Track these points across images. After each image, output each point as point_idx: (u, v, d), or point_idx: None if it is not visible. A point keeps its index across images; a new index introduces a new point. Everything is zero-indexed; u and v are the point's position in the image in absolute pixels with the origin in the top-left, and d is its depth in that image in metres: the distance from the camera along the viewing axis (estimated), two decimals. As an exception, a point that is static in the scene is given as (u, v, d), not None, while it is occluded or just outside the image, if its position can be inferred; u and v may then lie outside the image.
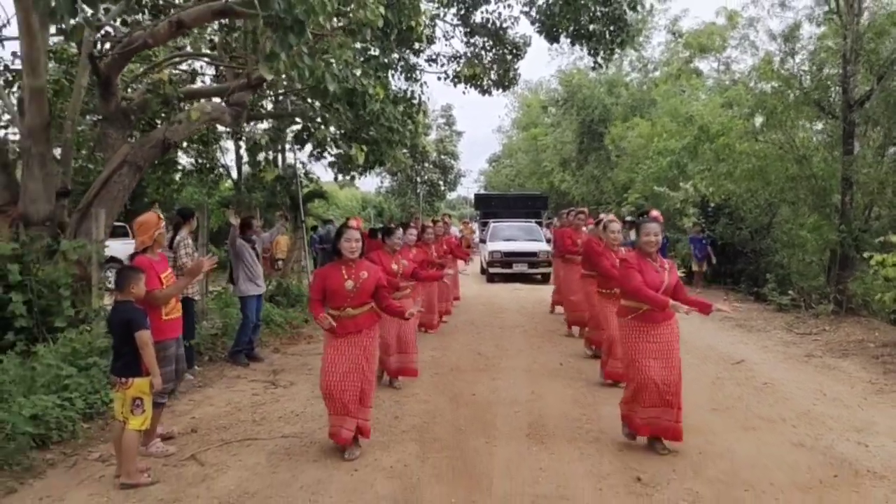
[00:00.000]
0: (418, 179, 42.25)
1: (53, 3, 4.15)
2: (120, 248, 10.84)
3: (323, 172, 18.25)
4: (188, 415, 5.93)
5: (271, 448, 5.12)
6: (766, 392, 6.70)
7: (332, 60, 5.54)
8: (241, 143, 17.17)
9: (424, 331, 9.66)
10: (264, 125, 15.13)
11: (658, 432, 4.95)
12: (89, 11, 4.96)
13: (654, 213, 5.44)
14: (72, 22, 4.42)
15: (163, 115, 8.14)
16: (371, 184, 56.14)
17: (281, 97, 12.06)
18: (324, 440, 5.13)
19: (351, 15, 6.83)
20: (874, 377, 7.22)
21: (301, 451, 5.06)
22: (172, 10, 7.74)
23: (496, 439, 5.30)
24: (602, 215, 8.16)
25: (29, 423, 4.92)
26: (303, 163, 18.34)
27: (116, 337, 4.58)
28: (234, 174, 18.35)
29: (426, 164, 41.30)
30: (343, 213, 29.86)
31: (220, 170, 16.89)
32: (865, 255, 8.43)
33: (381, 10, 7.12)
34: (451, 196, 57.72)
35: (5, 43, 10.24)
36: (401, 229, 7.23)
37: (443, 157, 42.50)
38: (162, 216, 5.27)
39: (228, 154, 17.58)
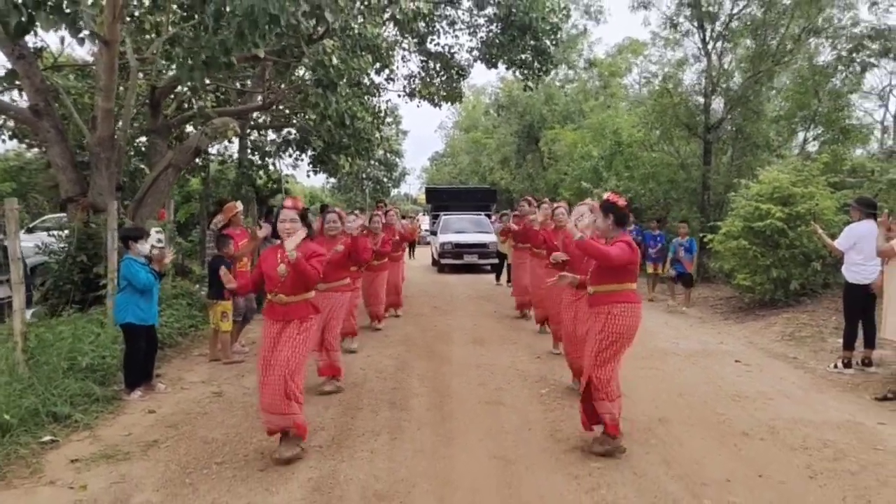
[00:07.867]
0: (364, 176, 43.54)
1: (191, 73, 7.00)
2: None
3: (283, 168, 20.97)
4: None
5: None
6: (629, 324, 10.00)
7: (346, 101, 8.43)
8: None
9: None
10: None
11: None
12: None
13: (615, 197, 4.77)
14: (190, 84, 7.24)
15: (198, 126, 10.87)
16: (318, 179, 58.30)
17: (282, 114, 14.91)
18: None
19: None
20: (704, 316, 10.65)
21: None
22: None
23: (453, 345, 8.43)
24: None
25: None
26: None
27: (212, 274, 7.47)
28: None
29: (372, 162, 42.75)
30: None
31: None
32: (700, 234, 11.88)
33: (370, 58, 10.14)
34: (394, 193, 59.93)
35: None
36: (334, 213, 7.11)
37: (388, 154, 44.29)
38: (239, 204, 8.20)
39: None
